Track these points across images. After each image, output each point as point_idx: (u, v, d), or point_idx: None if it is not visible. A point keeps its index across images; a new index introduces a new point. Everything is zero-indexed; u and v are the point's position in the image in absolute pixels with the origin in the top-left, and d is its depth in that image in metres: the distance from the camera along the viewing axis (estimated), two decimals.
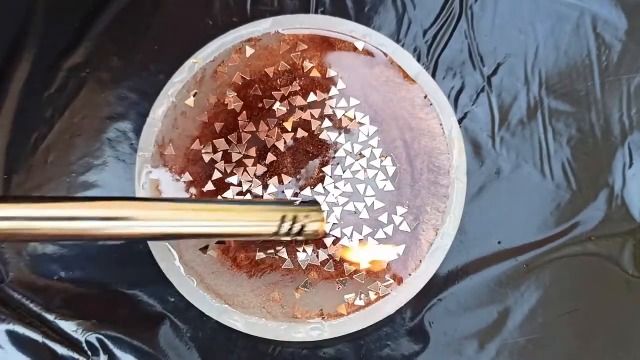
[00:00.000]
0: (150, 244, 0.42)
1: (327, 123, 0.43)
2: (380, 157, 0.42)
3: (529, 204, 0.44)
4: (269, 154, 0.42)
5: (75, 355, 0.43)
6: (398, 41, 0.45)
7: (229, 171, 0.42)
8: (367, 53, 0.43)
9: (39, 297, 0.44)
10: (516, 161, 0.44)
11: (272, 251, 0.42)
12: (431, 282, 0.42)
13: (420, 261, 0.41)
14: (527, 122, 0.44)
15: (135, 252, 0.44)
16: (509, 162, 0.44)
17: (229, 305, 0.41)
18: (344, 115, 0.43)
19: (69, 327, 0.43)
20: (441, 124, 0.42)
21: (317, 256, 0.42)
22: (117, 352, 0.43)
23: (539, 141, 0.44)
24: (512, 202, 0.44)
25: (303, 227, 0.39)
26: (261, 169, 0.42)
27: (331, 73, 0.43)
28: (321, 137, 0.43)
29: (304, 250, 0.42)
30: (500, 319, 0.43)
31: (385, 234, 0.42)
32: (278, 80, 0.43)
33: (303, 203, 0.40)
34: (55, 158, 0.45)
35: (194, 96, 0.43)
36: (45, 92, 0.45)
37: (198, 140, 0.43)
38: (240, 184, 0.42)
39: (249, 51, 0.43)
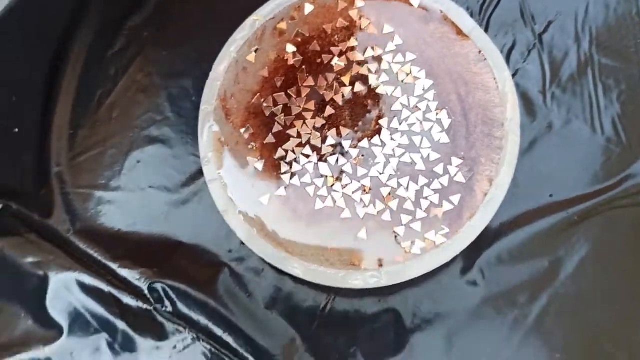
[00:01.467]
0: (213, 194, 0.43)
1: (383, 77, 0.44)
2: (435, 110, 0.43)
3: (580, 158, 0.45)
4: (328, 107, 0.44)
5: (139, 303, 0.44)
6: None
7: (288, 124, 0.44)
8: (423, 9, 0.44)
9: (103, 247, 0.45)
10: (567, 116, 0.45)
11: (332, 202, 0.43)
12: (484, 233, 0.43)
13: (475, 211, 0.42)
14: (578, 78, 0.45)
15: (196, 203, 0.45)
16: (560, 117, 0.45)
17: (289, 253, 0.42)
18: (400, 69, 0.44)
19: (132, 275, 0.45)
20: (495, 78, 0.43)
21: (374, 205, 0.43)
22: (179, 300, 0.44)
23: (589, 97, 0.45)
24: (563, 156, 0.45)
25: None
26: (320, 122, 0.44)
27: (387, 29, 0.44)
28: (378, 91, 0.44)
29: (362, 200, 0.43)
30: (551, 270, 0.44)
31: (441, 184, 0.43)
32: (336, 37, 0.45)
33: None
34: (118, 114, 0.47)
35: (255, 52, 0.45)
36: (109, 50, 0.47)
37: (258, 94, 0.44)
38: (299, 136, 0.44)
39: (308, 8, 0.45)
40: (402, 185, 0.43)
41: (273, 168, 0.44)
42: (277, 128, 0.44)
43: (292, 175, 0.43)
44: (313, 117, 0.44)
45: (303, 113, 0.44)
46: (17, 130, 0.47)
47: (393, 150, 0.43)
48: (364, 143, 0.43)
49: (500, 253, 0.44)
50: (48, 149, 0.47)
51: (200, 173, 0.44)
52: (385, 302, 0.44)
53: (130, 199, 0.46)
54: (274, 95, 0.44)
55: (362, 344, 0.44)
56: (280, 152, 0.44)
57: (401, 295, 0.44)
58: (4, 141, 0.47)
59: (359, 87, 0.44)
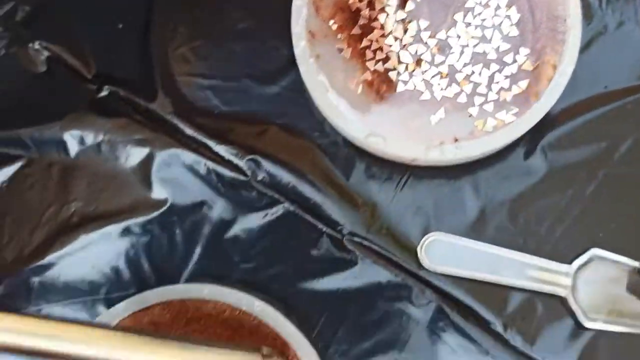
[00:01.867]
0: (305, 79, 0.48)
1: None
2: (505, 7, 0.49)
3: (632, 55, 0.50)
4: (409, 2, 0.49)
5: (236, 175, 0.49)
6: None
7: (372, 17, 0.49)
8: None
9: (202, 128, 0.50)
10: (620, 19, 0.50)
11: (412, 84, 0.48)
12: (546, 117, 0.48)
13: (540, 95, 0.47)
14: None
15: (289, 89, 0.50)
16: (614, 20, 0.50)
17: (373, 131, 0.47)
18: None
19: (229, 152, 0.50)
20: None
21: (451, 88, 0.48)
22: (271, 174, 0.49)
23: None
24: (616, 54, 0.50)
25: None
26: (401, 15, 0.49)
27: None
28: None
29: (439, 84, 0.48)
30: (606, 151, 0.49)
31: (510, 71, 0.48)
32: None
33: None
34: (215, 10, 0.52)
35: None
36: None
37: None
38: (382, 28, 0.49)
39: None
40: (475, 71, 0.48)
41: (359, 56, 0.49)
42: (362, 21, 0.49)
43: (377, 62, 0.49)
44: (395, 12, 0.49)
45: (386, 8, 0.49)
46: (121, 26, 0.52)
47: (467, 41, 0.48)
48: (441, 34, 0.49)
49: (560, 136, 0.49)
50: (151, 42, 0.52)
51: (291, 62, 0.49)
52: (457, 180, 0.49)
53: (227, 86, 0.51)
54: None
55: (437, 215, 0.49)
56: (365, 42, 0.49)
57: (471, 176, 0.49)
58: (110, 36, 0.52)
59: None
